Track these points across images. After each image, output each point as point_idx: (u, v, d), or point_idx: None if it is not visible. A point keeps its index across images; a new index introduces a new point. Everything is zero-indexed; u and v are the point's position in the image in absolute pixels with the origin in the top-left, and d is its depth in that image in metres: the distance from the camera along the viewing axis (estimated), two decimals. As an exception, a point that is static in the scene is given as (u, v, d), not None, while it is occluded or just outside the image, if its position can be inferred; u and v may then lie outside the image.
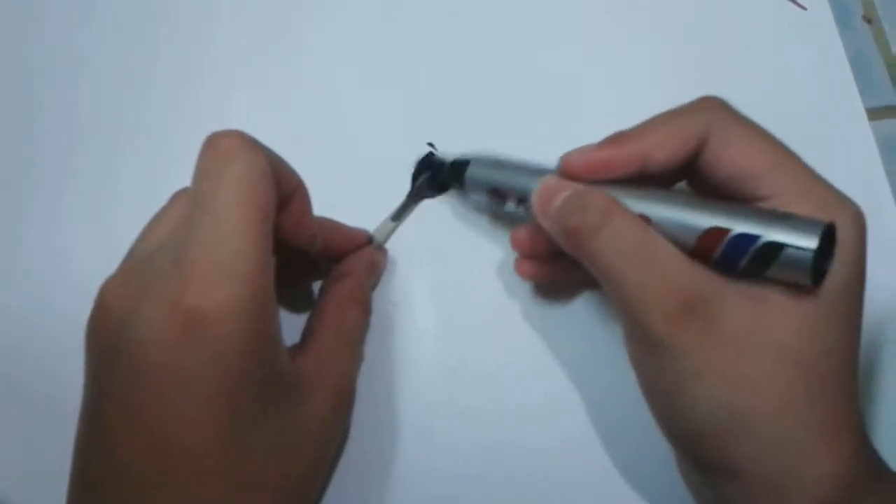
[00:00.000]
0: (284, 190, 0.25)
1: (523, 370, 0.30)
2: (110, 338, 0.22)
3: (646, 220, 0.24)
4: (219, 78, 0.36)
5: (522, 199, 0.28)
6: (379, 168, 0.34)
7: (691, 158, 0.25)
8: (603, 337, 0.31)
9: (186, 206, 0.24)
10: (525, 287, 0.31)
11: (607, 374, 0.29)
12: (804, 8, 0.37)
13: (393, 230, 0.33)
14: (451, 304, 0.31)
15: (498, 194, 0.29)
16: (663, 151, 0.25)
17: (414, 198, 0.33)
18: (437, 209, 0.33)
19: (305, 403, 0.25)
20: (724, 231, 0.23)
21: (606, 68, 0.36)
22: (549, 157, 0.29)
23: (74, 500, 0.23)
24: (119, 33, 0.38)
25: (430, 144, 0.34)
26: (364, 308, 0.30)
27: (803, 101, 0.35)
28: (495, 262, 0.32)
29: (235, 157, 0.22)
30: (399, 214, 0.33)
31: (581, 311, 0.31)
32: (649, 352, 0.24)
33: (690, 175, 0.26)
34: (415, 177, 0.34)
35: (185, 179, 0.33)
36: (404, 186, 0.33)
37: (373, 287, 0.31)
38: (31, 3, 0.38)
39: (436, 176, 0.33)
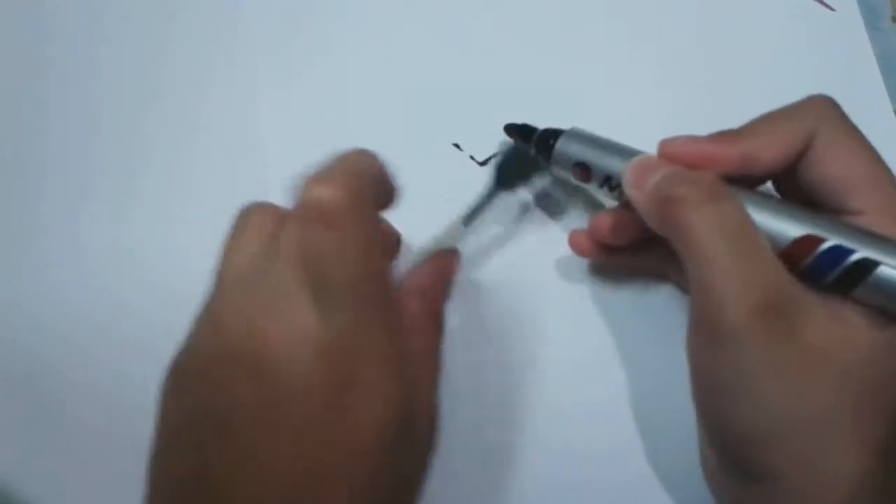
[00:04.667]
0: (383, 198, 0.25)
1: (552, 368, 0.30)
2: (231, 350, 0.22)
3: None
4: (241, 76, 0.36)
5: (608, 179, 0.28)
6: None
7: (794, 162, 0.25)
8: (632, 339, 0.30)
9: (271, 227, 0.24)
10: (553, 286, 0.31)
11: (635, 379, 0.30)
12: (832, 9, 0.37)
13: (461, 234, 0.31)
14: (479, 301, 0.31)
15: (584, 171, 0.29)
16: (770, 153, 0.25)
17: (492, 195, 0.32)
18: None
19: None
20: (820, 240, 0.23)
21: (632, 72, 0.36)
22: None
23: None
24: (136, 28, 0.37)
25: (457, 146, 0.34)
26: (441, 326, 0.28)
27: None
28: (526, 259, 0.32)
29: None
30: (472, 217, 0.31)
31: (613, 311, 0.31)
32: (717, 340, 0.23)
33: (780, 177, 0.26)
34: (500, 168, 0.32)
35: (204, 182, 0.33)
36: (430, 187, 0.33)
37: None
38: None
39: (520, 157, 0.32)
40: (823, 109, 0.25)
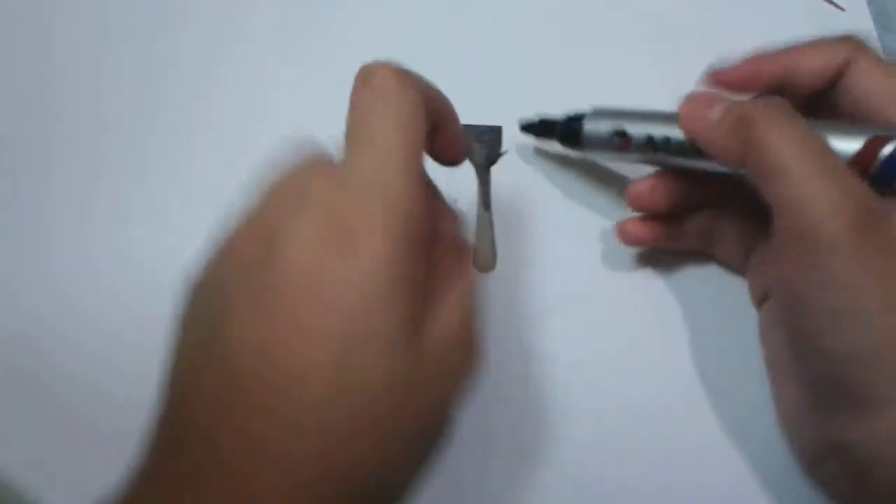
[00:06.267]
0: (437, 117, 0.25)
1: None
2: (264, 240, 0.22)
3: None
4: (245, 77, 0.36)
5: (650, 140, 0.28)
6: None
7: (833, 79, 0.26)
8: (631, 337, 0.30)
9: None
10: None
11: (638, 374, 0.29)
12: (842, 9, 0.37)
13: (491, 219, 0.32)
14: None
15: (622, 140, 0.29)
16: (811, 67, 0.26)
17: (484, 175, 0.32)
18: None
19: (430, 347, 0.22)
20: (881, 145, 0.23)
21: (636, 73, 0.35)
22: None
23: (170, 413, 0.22)
24: (140, 28, 0.37)
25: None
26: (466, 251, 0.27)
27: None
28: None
29: (390, 96, 0.22)
30: (486, 201, 0.32)
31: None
32: (816, 260, 0.23)
33: (815, 105, 0.27)
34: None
35: (205, 182, 0.32)
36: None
37: None
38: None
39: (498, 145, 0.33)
40: (857, 42, 0.26)
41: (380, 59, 0.23)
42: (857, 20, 0.37)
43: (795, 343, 0.25)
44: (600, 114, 0.30)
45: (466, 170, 0.33)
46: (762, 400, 0.27)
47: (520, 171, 0.33)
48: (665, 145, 0.27)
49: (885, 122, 0.25)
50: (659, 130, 0.27)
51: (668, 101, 0.31)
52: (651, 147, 0.28)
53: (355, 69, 0.34)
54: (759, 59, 0.27)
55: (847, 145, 0.24)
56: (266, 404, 0.21)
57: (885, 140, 0.23)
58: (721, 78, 0.27)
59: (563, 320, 0.30)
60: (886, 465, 0.22)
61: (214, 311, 0.22)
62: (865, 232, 0.22)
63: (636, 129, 0.28)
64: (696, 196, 0.29)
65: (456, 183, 0.32)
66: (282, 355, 0.21)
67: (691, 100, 0.27)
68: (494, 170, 0.33)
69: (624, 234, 0.30)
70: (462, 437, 0.27)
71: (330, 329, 0.21)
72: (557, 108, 0.33)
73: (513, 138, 0.33)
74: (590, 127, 0.30)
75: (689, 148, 0.27)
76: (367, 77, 0.23)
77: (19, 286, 0.31)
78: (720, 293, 0.30)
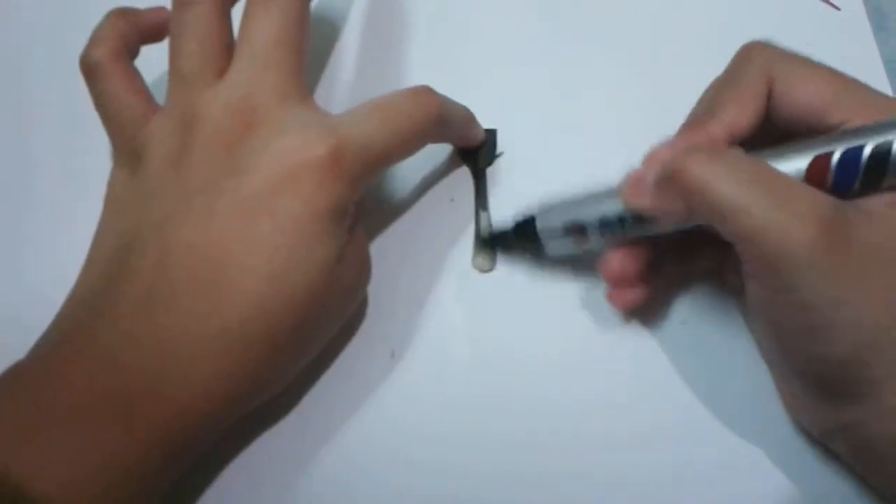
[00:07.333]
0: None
1: (553, 365, 0.30)
2: (233, 158, 0.25)
3: None
4: None
5: (608, 222, 0.27)
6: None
7: (766, 111, 0.25)
8: (629, 336, 0.30)
9: None
10: (554, 283, 0.31)
11: (636, 376, 0.30)
12: (838, 9, 0.37)
13: (489, 220, 0.32)
14: (481, 302, 0.31)
15: (578, 231, 0.28)
16: (745, 117, 0.25)
17: (480, 176, 0.33)
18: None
19: None
20: (829, 155, 0.23)
21: (631, 72, 0.36)
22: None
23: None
24: None
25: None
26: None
27: (836, 103, 0.35)
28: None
29: None
30: (484, 202, 0.32)
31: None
32: (788, 283, 0.22)
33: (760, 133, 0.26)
34: (463, 156, 0.33)
35: None
36: (434, 189, 0.33)
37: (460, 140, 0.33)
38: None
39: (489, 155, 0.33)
40: (766, 52, 0.26)
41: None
42: (853, 19, 0.37)
43: (780, 349, 0.25)
44: (549, 209, 0.29)
45: (463, 172, 0.34)
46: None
47: (516, 171, 0.34)
48: (621, 225, 0.27)
49: (823, 127, 0.25)
50: (611, 209, 0.27)
51: (663, 101, 0.31)
52: (610, 229, 0.27)
53: (356, 74, 0.35)
54: (696, 131, 0.25)
55: (795, 164, 0.24)
56: (192, 308, 0.23)
57: (829, 156, 0.23)
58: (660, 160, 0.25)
59: (559, 320, 0.31)
60: (893, 439, 0.23)
61: (162, 211, 0.24)
62: (827, 245, 0.22)
63: (589, 213, 0.27)
64: (666, 244, 0.28)
65: (453, 185, 0.33)
66: (223, 262, 0.23)
67: (630, 179, 0.26)
68: (490, 171, 0.33)
69: (614, 301, 0.29)
70: (449, 433, 0.28)
71: (276, 243, 0.23)
72: (554, 110, 0.34)
73: (508, 141, 0.34)
74: (541, 225, 0.29)
75: (643, 219, 0.26)
76: None
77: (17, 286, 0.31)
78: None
